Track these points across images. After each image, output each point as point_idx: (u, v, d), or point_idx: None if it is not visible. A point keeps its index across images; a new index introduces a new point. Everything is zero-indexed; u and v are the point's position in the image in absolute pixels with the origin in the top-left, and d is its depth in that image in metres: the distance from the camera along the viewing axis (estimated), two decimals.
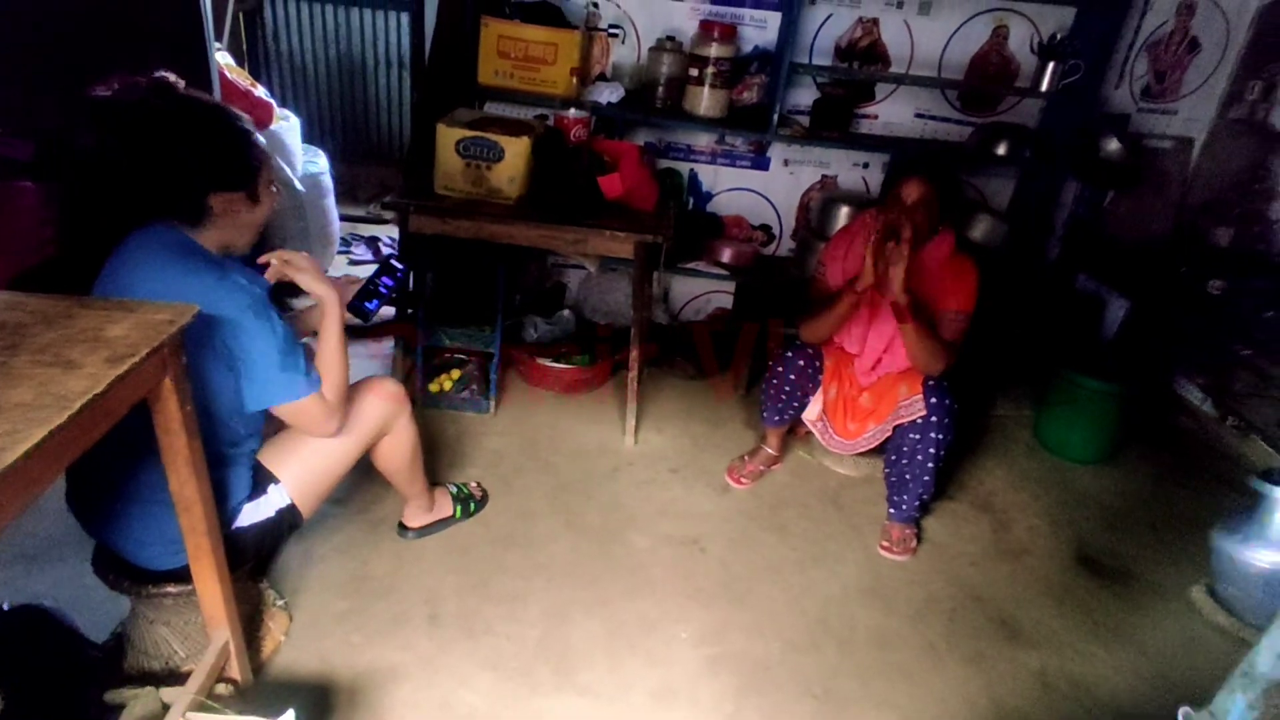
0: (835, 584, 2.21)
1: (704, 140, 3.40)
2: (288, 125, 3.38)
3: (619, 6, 3.16)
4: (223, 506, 1.49)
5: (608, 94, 3.03)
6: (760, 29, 3.19)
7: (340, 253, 4.05)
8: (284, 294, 3.18)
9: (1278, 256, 3.28)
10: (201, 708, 1.35)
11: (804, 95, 3.29)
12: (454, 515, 2.23)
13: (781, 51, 3.05)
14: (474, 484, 2.35)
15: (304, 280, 1.60)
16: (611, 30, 3.19)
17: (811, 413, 2.52)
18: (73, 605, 1.69)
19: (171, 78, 1.39)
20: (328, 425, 1.58)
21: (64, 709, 1.48)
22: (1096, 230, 3.41)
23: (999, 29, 3.19)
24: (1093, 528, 2.55)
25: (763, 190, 3.50)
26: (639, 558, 2.22)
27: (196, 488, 1.27)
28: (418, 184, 2.55)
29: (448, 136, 2.40)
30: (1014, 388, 3.27)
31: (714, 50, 2.96)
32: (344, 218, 4.08)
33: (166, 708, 1.36)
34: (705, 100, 3.04)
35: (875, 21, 3.19)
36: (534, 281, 3.52)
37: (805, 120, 3.26)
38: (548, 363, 2.95)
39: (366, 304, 1.81)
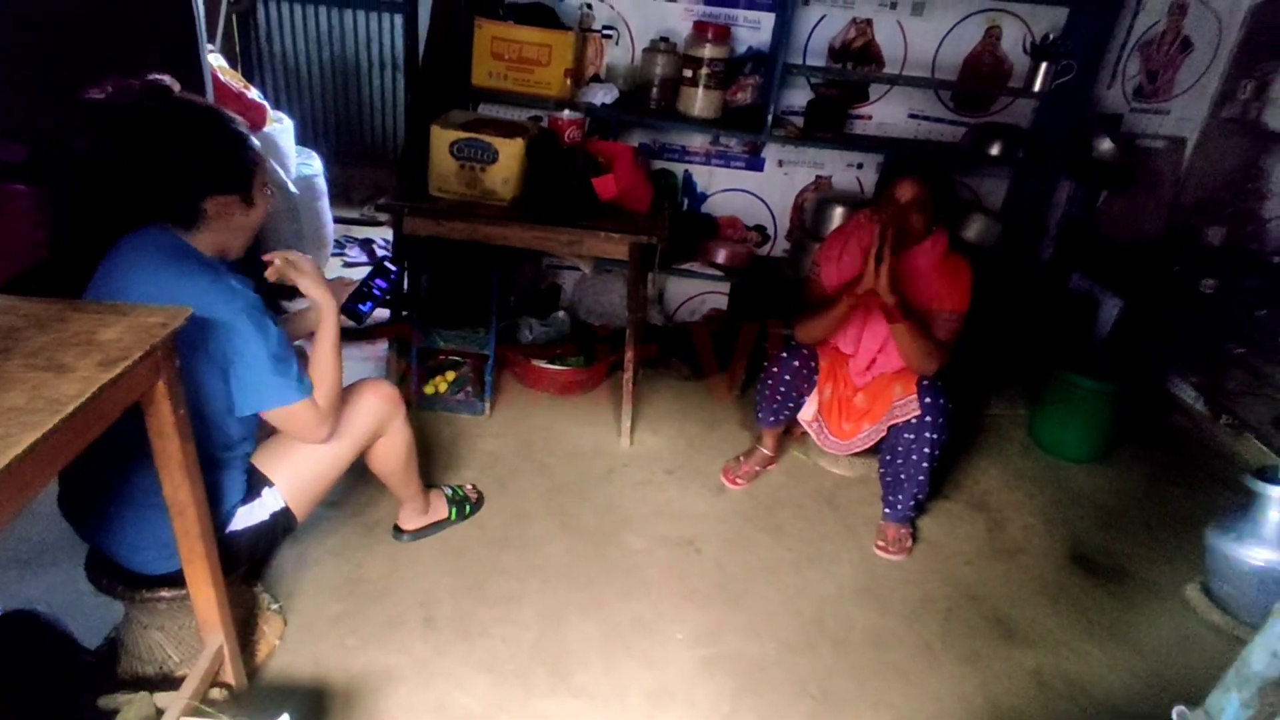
0: (831, 584, 2.21)
1: (698, 141, 3.40)
2: (281, 127, 3.38)
3: (613, 7, 3.16)
4: (216, 510, 1.49)
5: (602, 95, 3.03)
6: (754, 30, 3.19)
7: (334, 255, 4.04)
8: (278, 296, 3.19)
9: (1270, 255, 3.29)
10: (196, 713, 1.34)
11: (798, 96, 3.29)
12: (449, 517, 2.22)
13: (775, 52, 3.05)
14: (469, 486, 2.35)
15: (304, 283, 1.60)
16: (605, 31, 3.19)
17: (807, 413, 2.52)
18: (66, 610, 1.68)
19: (166, 80, 1.39)
20: (319, 432, 1.57)
21: (57, 714, 1.47)
22: (1090, 230, 3.42)
23: (992, 29, 3.20)
24: (1087, 526, 2.56)
25: (757, 191, 3.50)
26: (634, 559, 2.21)
27: (190, 491, 1.26)
28: (412, 186, 2.55)
29: (442, 138, 2.40)
30: (1008, 387, 3.28)
31: (708, 51, 2.96)
32: (338, 220, 4.08)
33: (160, 713, 1.36)
34: (699, 101, 3.04)
35: (869, 22, 3.19)
36: (529, 283, 3.52)
37: (799, 121, 3.26)
38: (543, 364, 2.95)
39: (360, 306, 1.81)
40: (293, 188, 3.43)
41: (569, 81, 2.90)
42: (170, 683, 1.52)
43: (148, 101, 1.35)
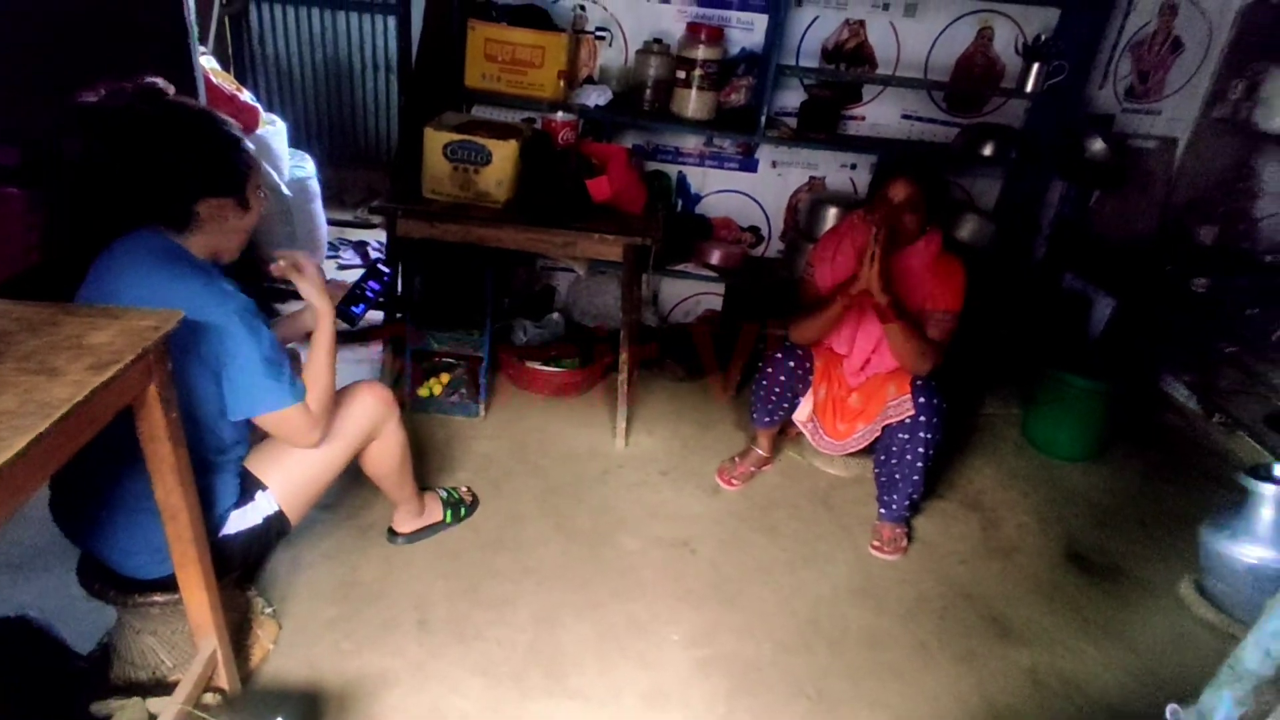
0: (826, 584, 2.21)
1: (692, 142, 3.40)
2: (274, 129, 3.37)
3: (606, 9, 3.16)
4: (209, 514, 1.48)
5: (595, 97, 3.03)
6: (747, 31, 3.19)
7: (328, 257, 4.04)
8: (271, 299, 3.18)
9: (1262, 254, 3.31)
10: (189, 718, 1.34)
11: (791, 97, 3.30)
12: (444, 520, 2.22)
13: (768, 53, 3.06)
14: (464, 488, 2.35)
15: (303, 286, 1.61)
16: (599, 33, 3.19)
17: (802, 414, 2.53)
18: (58, 615, 1.68)
19: (160, 83, 1.38)
20: (310, 436, 1.57)
21: None
22: (1082, 230, 3.43)
23: (984, 30, 3.21)
24: (1081, 525, 2.57)
25: (751, 192, 3.50)
26: (629, 560, 2.21)
27: (182, 495, 1.26)
28: (405, 188, 2.55)
29: (435, 140, 2.39)
30: (1002, 386, 3.29)
31: (701, 52, 2.96)
32: (331, 222, 4.07)
33: (153, 718, 1.35)
34: (693, 102, 3.04)
35: (861, 23, 3.20)
36: (523, 285, 3.52)
37: (793, 122, 3.27)
38: (537, 366, 2.95)
39: (353, 308, 1.80)
40: (286, 190, 3.42)
41: (562, 83, 2.90)
42: (163, 688, 1.51)
43: (140, 104, 1.35)
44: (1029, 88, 3.06)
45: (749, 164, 3.45)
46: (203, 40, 3.34)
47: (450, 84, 2.95)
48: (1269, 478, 2.12)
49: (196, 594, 1.38)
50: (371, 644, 1.84)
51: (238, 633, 1.71)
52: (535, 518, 2.34)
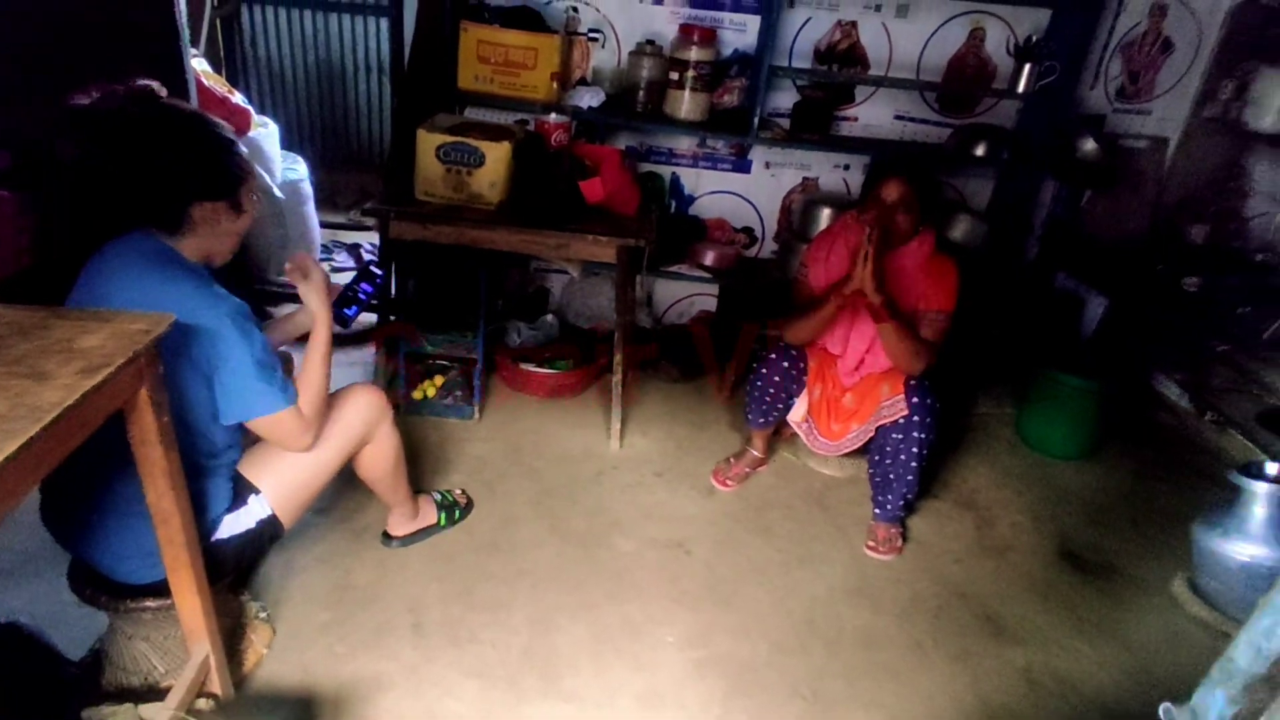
0: (821, 584, 2.21)
1: (685, 144, 3.41)
2: (266, 132, 3.36)
3: (599, 11, 3.16)
4: (202, 518, 1.47)
5: (588, 98, 3.02)
6: (740, 32, 3.20)
7: (321, 259, 4.02)
8: (263, 302, 3.17)
9: (1253, 253, 3.34)
10: None
11: (784, 98, 3.30)
12: (438, 523, 2.21)
13: (761, 55, 3.06)
14: (458, 491, 2.34)
15: (305, 289, 1.65)
16: (591, 34, 3.18)
17: (796, 414, 2.53)
18: (49, 622, 1.67)
19: (154, 86, 1.38)
20: (302, 440, 1.56)
21: None
22: (1074, 229, 3.45)
23: (975, 31, 3.22)
24: (1075, 523, 2.58)
25: (744, 193, 3.51)
26: (624, 561, 2.21)
27: (174, 500, 1.25)
28: (398, 190, 2.54)
29: (428, 142, 2.39)
30: (995, 386, 3.30)
31: (694, 54, 2.96)
32: (324, 224, 4.06)
33: None
34: (686, 104, 3.04)
35: (854, 24, 3.20)
36: (517, 287, 3.51)
37: (786, 123, 3.27)
38: (531, 368, 2.95)
39: (345, 310, 1.80)
40: (278, 192, 3.41)
41: (555, 85, 2.90)
42: (156, 694, 1.50)
43: (133, 107, 1.34)
44: (1021, 88, 3.07)
45: (742, 165, 3.45)
46: (194, 42, 3.33)
47: (443, 86, 2.95)
48: (1261, 475, 2.13)
49: (189, 599, 1.38)
50: (366, 648, 1.84)
51: (231, 637, 1.70)
52: (530, 520, 2.33)
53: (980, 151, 3.21)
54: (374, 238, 4.08)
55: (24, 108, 1.89)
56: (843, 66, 3.24)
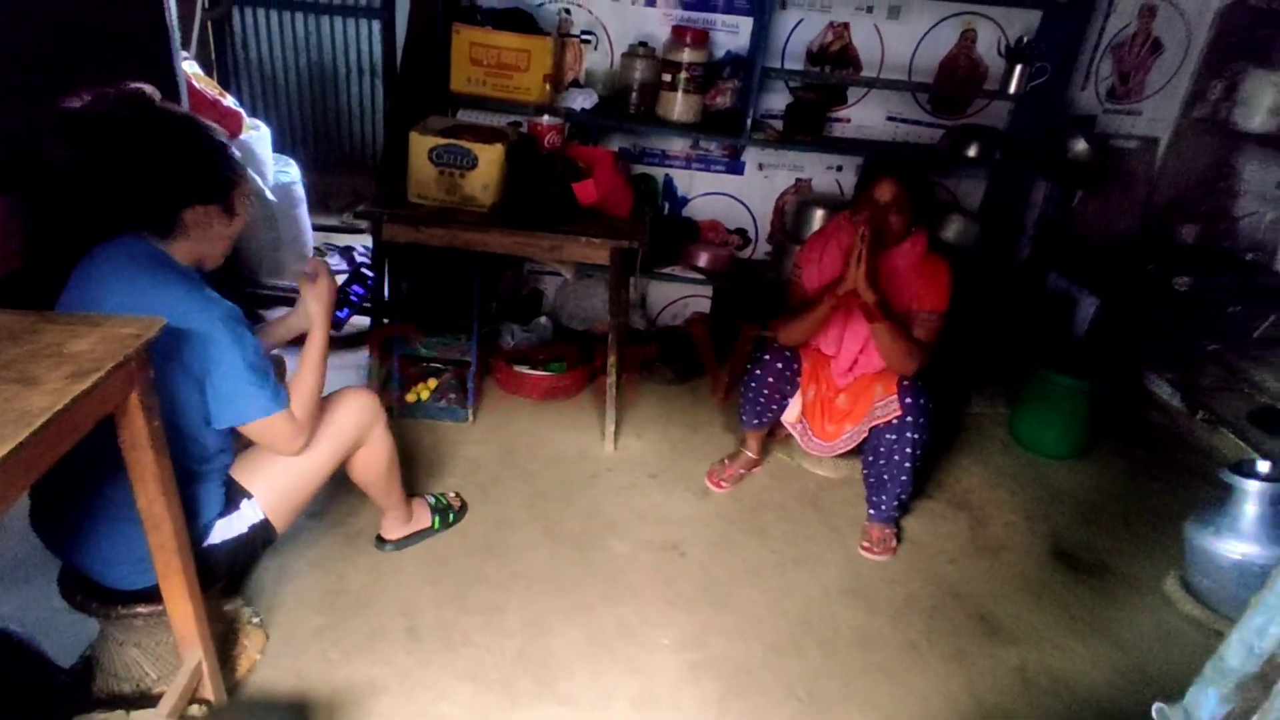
0: (816, 585, 2.21)
1: (678, 145, 3.41)
2: (258, 135, 3.35)
3: (591, 13, 3.15)
4: (193, 523, 1.46)
5: (581, 100, 3.02)
6: (732, 34, 3.20)
7: None
8: (255, 305, 3.16)
9: (1243, 252, 3.35)
10: None
11: (777, 100, 3.30)
12: (432, 526, 2.21)
13: (753, 56, 3.06)
14: (452, 494, 2.33)
15: (311, 294, 1.67)
16: (584, 36, 3.18)
17: (790, 415, 2.53)
18: (39, 629, 1.65)
19: (146, 89, 1.37)
20: (294, 443, 1.56)
21: None
22: (1066, 229, 3.46)
23: (967, 32, 3.23)
24: (1068, 522, 2.58)
25: (738, 194, 3.51)
26: (618, 564, 2.21)
27: (165, 505, 1.25)
28: (391, 192, 2.54)
29: (420, 144, 2.39)
30: (988, 386, 3.31)
31: (686, 56, 2.96)
32: (317, 227, 4.04)
33: None
34: (679, 105, 3.04)
35: (846, 26, 3.21)
36: (510, 289, 3.50)
37: (778, 124, 3.27)
38: (525, 370, 2.94)
39: (337, 312, 1.80)
40: (270, 195, 3.40)
41: (548, 87, 2.89)
42: (148, 700, 1.49)
43: (125, 110, 1.34)
44: (1012, 89, 3.08)
45: (735, 166, 3.45)
46: (185, 45, 3.31)
47: (435, 88, 2.94)
48: (1252, 474, 2.14)
49: (181, 605, 1.37)
50: (359, 652, 1.83)
51: (224, 643, 1.69)
52: (524, 522, 2.33)
53: (972, 152, 3.22)
54: (367, 240, 4.07)
55: (12, 110, 1.88)
56: (835, 68, 3.25)
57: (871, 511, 2.39)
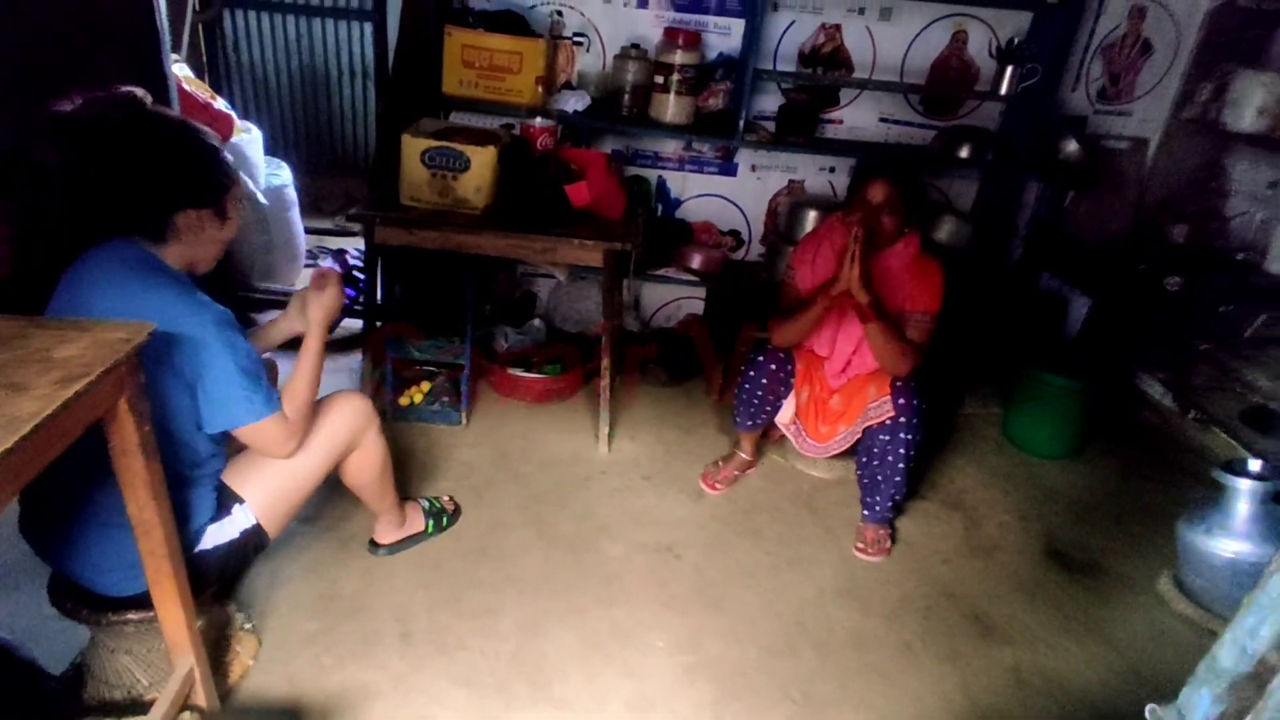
0: (811, 587, 2.21)
1: (671, 147, 3.41)
2: (249, 138, 3.34)
3: (583, 15, 3.15)
4: (184, 529, 1.46)
5: (574, 102, 3.02)
6: (724, 36, 3.20)
7: (307, 266, 3.99)
8: (247, 309, 3.14)
9: (1233, 252, 3.37)
10: None
11: (769, 101, 3.31)
12: (426, 530, 2.20)
13: (746, 58, 3.06)
14: (446, 498, 2.33)
15: (314, 299, 1.69)
16: (576, 38, 3.18)
17: (784, 416, 2.53)
18: (29, 636, 1.64)
19: (139, 93, 1.37)
20: (286, 447, 1.55)
21: None
22: (1058, 230, 3.47)
23: (958, 34, 3.24)
24: (1061, 522, 2.59)
25: (731, 196, 3.51)
26: (613, 566, 2.20)
27: (156, 510, 1.24)
28: (383, 195, 2.53)
29: (413, 147, 2.38)
30: (982, 386, 3.31)
31: (679, 57, 2.96)
32: (310, 230, 4.03)
33: None
34: (671, 107, 3.04)
35: (837, 27, 3.21)
36: (503, 291, 3.50)
37: (771, 126, 3.28)
38: (519, 372, 2.93)
39: None
40: (262, 198, 3.39)
41: (540, 89, 2.89)
42: (139, 707, 1.48)
43: (117, 113, 1.33)
44: (1003, 90, 3.09)
45: (728, 168, 3.46)
46: (175, 48, 3.30)
47: (428, 90, 2.94)
48: (1244, 472, 2.15)
49: (172, 611, 1.36)
50: (353, 658, 1.82)
51: (216, 649, 1.68)
52: (518, 525, 2.32)
53: (964, 153, 3.23)
54: (360, 243, 4.05)
55: (1, 113, 1.87)
56: (827, 69, 3.25)
57: (866, 512, 2.40)
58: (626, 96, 3.10)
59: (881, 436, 2.27)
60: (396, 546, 2.14)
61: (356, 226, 2.63)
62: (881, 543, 2.36)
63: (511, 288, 3.53)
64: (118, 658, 1.53)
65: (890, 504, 2.34)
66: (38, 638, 1.65)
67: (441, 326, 2.79)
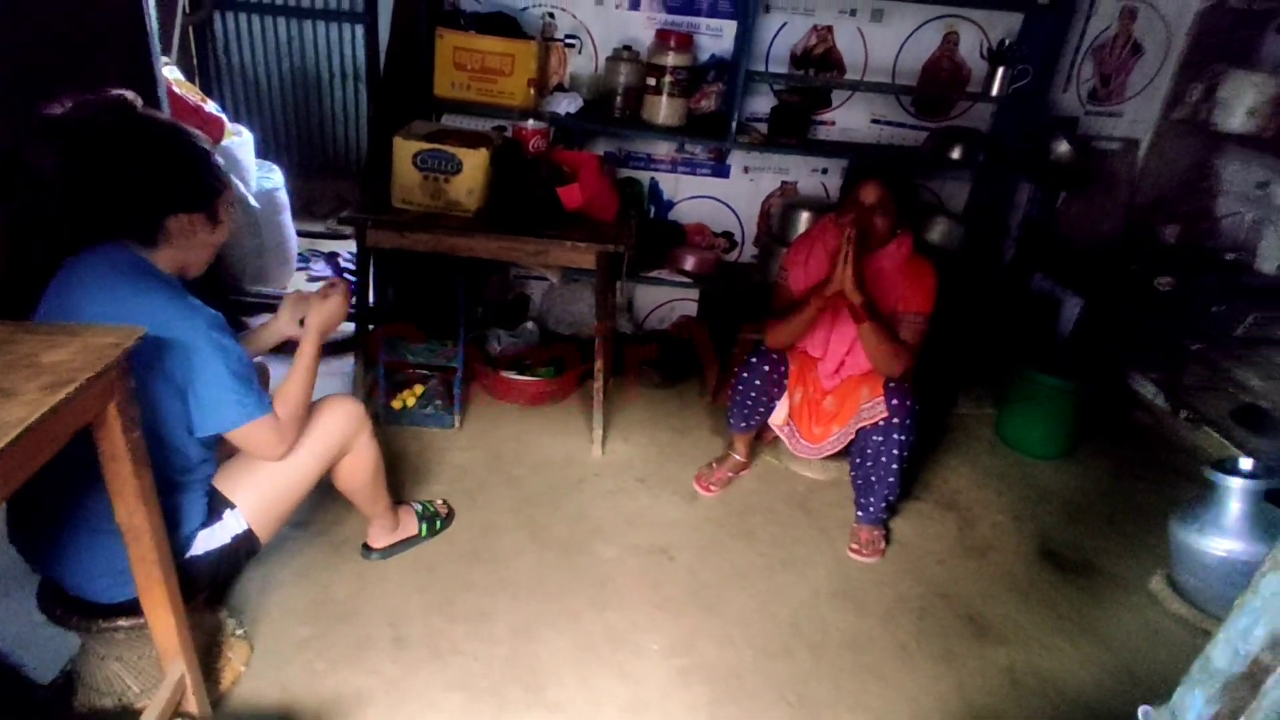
0: (805, 588, 2.21)
1: (664, 149, 3.40)
2: (240, 140, 3.32)
3: (575, 17, 3.15)
4: (175, 535, 1.45)
5: (566, 104, 3.02)
6: (716, 37, 3.20)
7: (299, 268, 3.98)
8: (238, 312, 3.13)
9: (1224, 252, 3.38)
10: None
11: (761, 103, 3.31)
12: (419, 534, 2.19)
13: (738, 60, 3.07)
14: (439, 501, 2.32)
15: (316, 305, 1.69)
16: (568, 40, 3.18)
17: (778, 417, 2.53)
18: (18, 643, 1.63)
19: (129, 96, 1.36)
20: (277, 449, 1.55)
21: None
22: (1050, 231, 3.48)
23: (949, 35, 3.25)
24: (1055, 522, 2.60)
25: (724, 197, 3.51)
26: (606, 569, 2.20)
27: (145, 516, 1.23)
28: (375, 198, 2.52)
29: (405, 149, 2.37)
30: (975, 387, 3.32)
31: (671, 59, 2.97)
32: (302, 233, 4.01)
33: None
34: (664, 109, 3.04)
35: (829, 29, 3.22)
36: (496, 294, 3.49)
37: (763, 127, 3.28)
38: (512, 375, 2.93)
39: None
40: (253, 201, 3.37)
41: (532, 91, 2.89)
42: (130, 715, 1.48)
43: (108, 117, 1.32)
44: (994, 91, 3.10)
45: (721, 170, 3.46)
46: (165, 50, 3.28)
47: (419, 93, 2.93)
48: (1235, 471, 2.16)
49: (162, 617, 1.35)
50: (346, 663, 1.81)
51: (208, 655, 1.67)
52: (511, 528, 2.31)
53: (956, 154, 3.24)
54: (352, 246, 4.04)
55: None
56: (819, 71, 3.26)
57: (860, 513, 2.40)
58: (619, 98, 3.10)
59: (875, 437, 2.27)
60: (389, 550, 2.13)
61: (348, 229, 2.62)
62: (876, 543, 2.36)
63: (504, 290, 3.53)
64: (108, 665, 1.51)
65: (884, 505, 2.35)
66: (27, 645, 1.64)
67: (434, 329, 2.78)
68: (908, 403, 2.24)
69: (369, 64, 3.17)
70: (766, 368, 2.41)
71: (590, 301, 3.31)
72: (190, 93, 3.01)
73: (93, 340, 1.10)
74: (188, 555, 1.51)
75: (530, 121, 2.71)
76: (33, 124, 1.30)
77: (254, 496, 1.59)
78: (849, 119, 3.39)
